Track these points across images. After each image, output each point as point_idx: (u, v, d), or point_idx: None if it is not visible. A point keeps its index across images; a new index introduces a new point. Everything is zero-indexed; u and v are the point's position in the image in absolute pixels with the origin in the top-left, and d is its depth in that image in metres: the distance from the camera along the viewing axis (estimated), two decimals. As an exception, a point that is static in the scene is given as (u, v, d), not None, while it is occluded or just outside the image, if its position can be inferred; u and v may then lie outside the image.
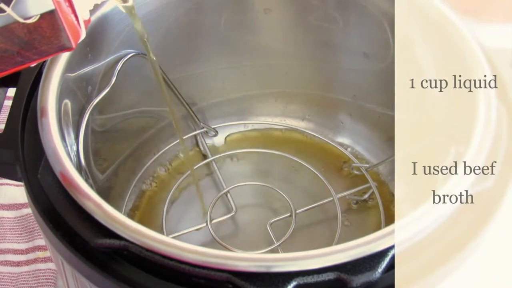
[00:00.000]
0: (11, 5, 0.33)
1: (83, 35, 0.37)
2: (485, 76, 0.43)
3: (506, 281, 0.59)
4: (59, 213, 0.38)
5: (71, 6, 0.36)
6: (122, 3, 0.43)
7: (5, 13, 0.33)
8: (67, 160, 0.39)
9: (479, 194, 0.39)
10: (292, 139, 0.63)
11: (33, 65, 0.40)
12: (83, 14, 0.38)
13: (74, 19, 0.36)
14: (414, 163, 0.57)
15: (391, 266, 0.35)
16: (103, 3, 0.45)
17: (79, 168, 0.44)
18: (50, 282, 0.58)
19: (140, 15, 0.51)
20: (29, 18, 0.33)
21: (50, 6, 0.33)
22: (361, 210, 0.57)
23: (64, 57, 0.44)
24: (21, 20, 0.33)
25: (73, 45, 0.35)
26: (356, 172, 0.60)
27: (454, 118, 0.47)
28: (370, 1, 0.52)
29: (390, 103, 0.58)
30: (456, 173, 0.38)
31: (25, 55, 0.34)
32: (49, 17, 0.34)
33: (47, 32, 0.34)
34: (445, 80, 0.48)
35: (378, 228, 0.36)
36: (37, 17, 0.33)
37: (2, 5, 0.32)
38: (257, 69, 0.61)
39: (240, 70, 0.61)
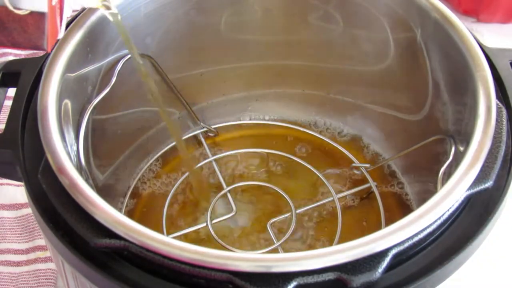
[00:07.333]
0: None
1: (61, 35, 0.38)
2: (485, 76, 0.43)
3: (506, 281, 0.59)
4: (59, 213, 0.38)
5: (61, 7, 0.36)
6: (106, 9, 0.44)
7: None
8: (67, 160, 0.39)
9: (479, 194, 0.39)
10: (293, 139, 0.63)
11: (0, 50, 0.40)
12: (67, 12, 0.38)
13: (58, 21, 0.36)
14: (414, 163, 0.57)
15: (391, 266, 0.35)
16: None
17: (79, 168, 0.44)
18: (50, 282, 0.58)
19: (141, 15, 0.51)
20: (19, 9, 0.33)
21: (43, 9, 0.34)
22: (361, 210, 0.57)
23: (64, 57, 0.44)
24: (10, 7, 0.33)
25: (48, 49, 0.36)
26: (356, 172, 0.60)
27: (454, 118, 0.47)
28: (370, 1, 0.52)
29: (390, 103, 0.58)
30: (456, 173, 0.38)
31: None
32: (38, 17, 0.34)
33: (30, 29, 0.34)
34: (445, 80, 0.48)
35: (378, 228, 0.36)
36: (27, 12, 0.33)
37: None
38: (257, 69, 0.61)
39: (240, 70, 0.61)
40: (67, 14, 0.38)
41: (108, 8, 0.44)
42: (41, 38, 0.35)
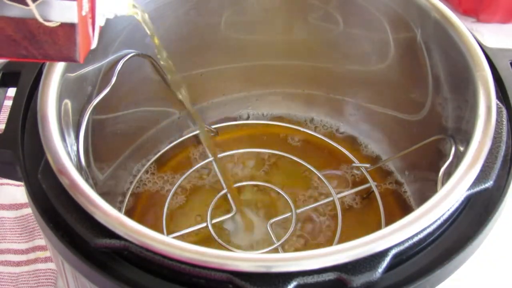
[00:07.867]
0: (36, 2, 0.32)
1: (94, 45, 0.37)
2: (485, 76, 0.43)
3: (506, 281, 0.59)
4: (59, 213, 0.38)
5: (93, 17, 0.36)
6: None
7: (27, 7, 0.32)
8: (67, 160, 0.39)
9: (479, 194, 0.39)
10: (293, 139, 0.63)
11: (33, 62, 0.40)
12: (100, 21, 0.38)
13: (91, 30, 0.36)
14: (414, 163, 0.57)
15: (391, 266, 0.35)
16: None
17: (79, 168, 0.44)
18: (50, 282, 0.58)
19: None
20: (49, 21, 0.33)
21: (74, 20, 0.33)
22: (361, 210, 0.57)
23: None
24: (40, 20, 0.33)
25: (81, 61, 0.35)
26: (356, 172, 0.60)
27: (454, 118, 0.47)
28: (370, 1, 0.52)
29: (390, 103, 0.58)
30: (456, 173, 0.38)
31: (31, 52, 0.34)
32: (68, 28, 0.33)
33: (61, 40, 0.34)
34: (445, 80, 0.48)
35: (378, 228, 0.36)
36: (57, 24, 0.33)
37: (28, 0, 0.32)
38: (257, 69, 0.61)
39: (240, 70, 0.61)
40: (100, 23, 0.37)
41: (137, 13, 0.44)
42: (73, 50, 0.34)
